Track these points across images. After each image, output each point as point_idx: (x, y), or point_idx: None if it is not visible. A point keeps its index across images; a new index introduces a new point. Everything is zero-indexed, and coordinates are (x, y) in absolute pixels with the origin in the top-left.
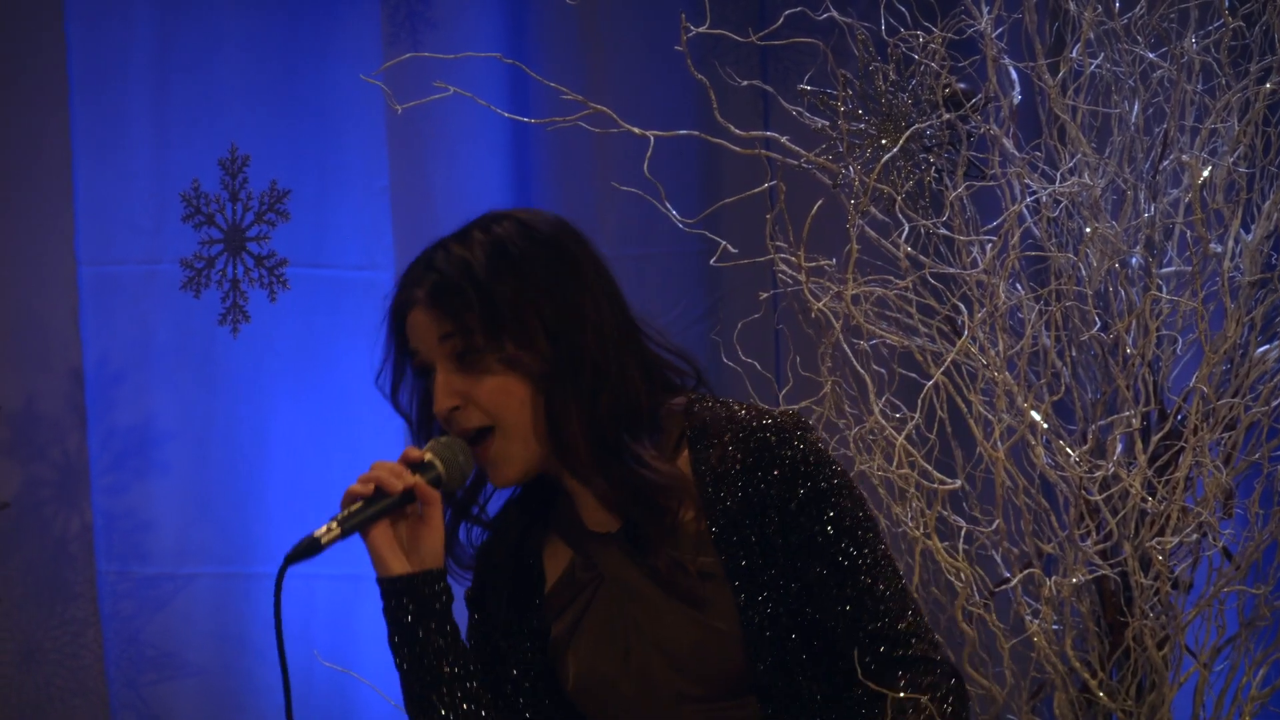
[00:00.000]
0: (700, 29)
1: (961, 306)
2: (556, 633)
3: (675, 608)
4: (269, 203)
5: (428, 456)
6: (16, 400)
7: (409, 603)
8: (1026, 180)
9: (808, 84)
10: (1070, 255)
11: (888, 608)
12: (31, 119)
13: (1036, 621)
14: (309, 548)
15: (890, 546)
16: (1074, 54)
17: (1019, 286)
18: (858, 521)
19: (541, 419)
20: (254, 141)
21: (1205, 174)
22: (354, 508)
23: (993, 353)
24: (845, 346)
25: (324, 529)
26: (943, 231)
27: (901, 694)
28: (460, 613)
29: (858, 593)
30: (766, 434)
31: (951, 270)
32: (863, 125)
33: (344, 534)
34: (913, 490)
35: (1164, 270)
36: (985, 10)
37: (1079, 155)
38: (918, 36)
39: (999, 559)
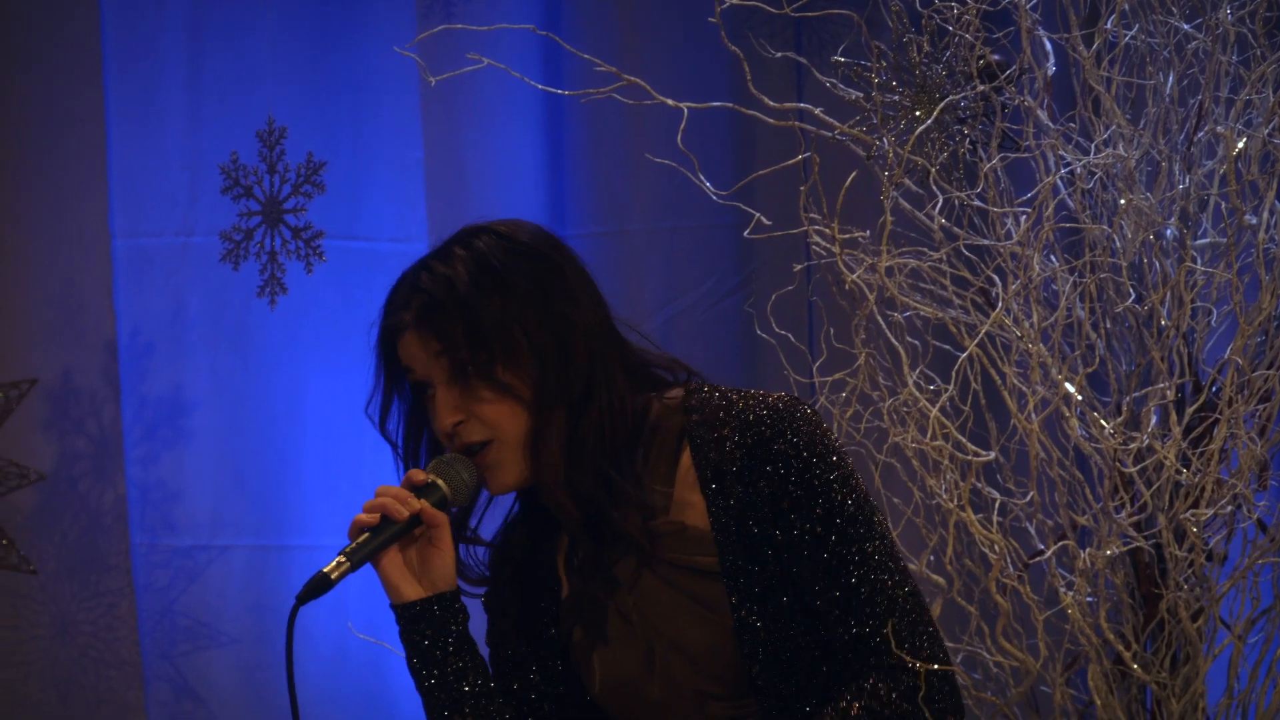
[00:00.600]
0: (734, 0)
1: (995, 278)
2: (578, 637)
3: (689, 608)
4: (305, 175)
5: (431, 478)
6: (54, 374)
7: (425, 627)
8: (1061, 152)
9: (842, 56)
10: (1105, 227)
11: (872, 610)
12: (65, 93)
13: (1071, 594)
14: (319, 585)
15: (892, 543)
16: (1109, 25)
17: (1053, 258)
18: (849, 518)
19: (533, 432)
20: (291, 113)
21: (1240, 145)
22: (362, 539)
23: (1027, 325)
24: (879, 319)
25: (333, 564)
26: (977, 203)
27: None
28: (477, 627)
29: (843, 592)
30: (762, 427)
31: (986, 242)
32: (897, 97)
33: (354, 566)
34: (947, 462)
35: (1199, 242)
36: None
37: (1113, 127)
38: (952, 8)
39: (1033, 531)
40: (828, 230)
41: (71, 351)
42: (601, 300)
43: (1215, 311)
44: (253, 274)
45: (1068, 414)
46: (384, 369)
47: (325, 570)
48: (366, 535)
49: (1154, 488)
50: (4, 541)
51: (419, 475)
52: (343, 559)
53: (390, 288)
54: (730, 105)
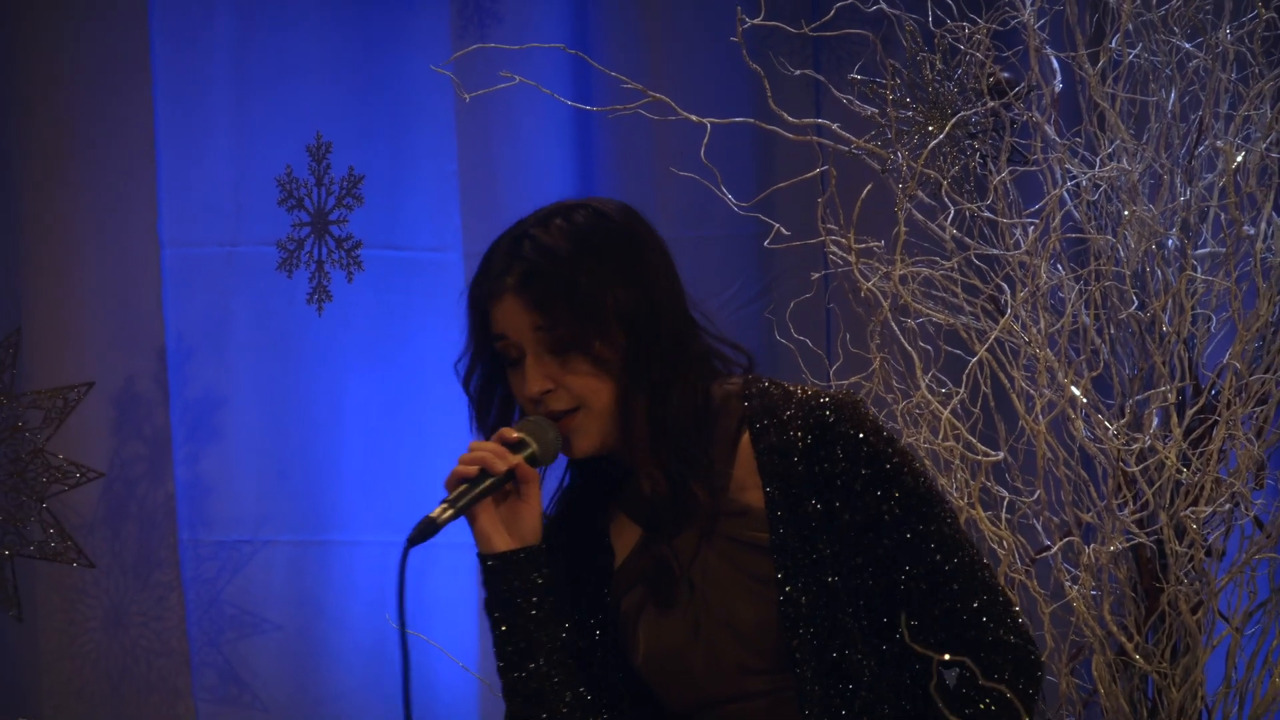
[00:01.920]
0: (755, 21)
1: (1004, 286)
2: (626, 607)
3: (740, 582)
4: (347, 187)
5: (523, 436)
6: (116, 378)
7: (513, 578)
8: (1067, 165)
9: (858, 73)
10: (1109, 237)
11: (960, 587)
12: (116, 110)
13: (1076, 587)
14: (426, 529)
15: (961, 524)
16: (1113, 44)
17: (1059, 267)
18: (923, 498)
19: (618, 404)
20: (335, 129)
21: (1239, 159)
22: (461, 489)
23: (1034, 330)
24: (893, 324)
25: (439, 510)
26: (987, 214)
27: (979, 682)
28: None
29: (929, 571)
30: (826, 412)
31: (995, 251)
32: (910, 113)
33: (456, 514)
34: (957, 462)
35: (1199, 251)
36: (1028, 2)
37: (1118, 141)
38: (963, 28)
39: (1040, 528)
40: (844, 240)
41: (129, 357)
42: (680, 282)
43: (1215, 318)
44: (303, 281)
45: (1073, 416)
46: (475, 328)
47: (431, 515)
48: (465, 486)
49: (1155, 486)
50: (64, 539)
51: (512, 433)
52: (446, 506)
53: (486, 254)
54: (751, 121)
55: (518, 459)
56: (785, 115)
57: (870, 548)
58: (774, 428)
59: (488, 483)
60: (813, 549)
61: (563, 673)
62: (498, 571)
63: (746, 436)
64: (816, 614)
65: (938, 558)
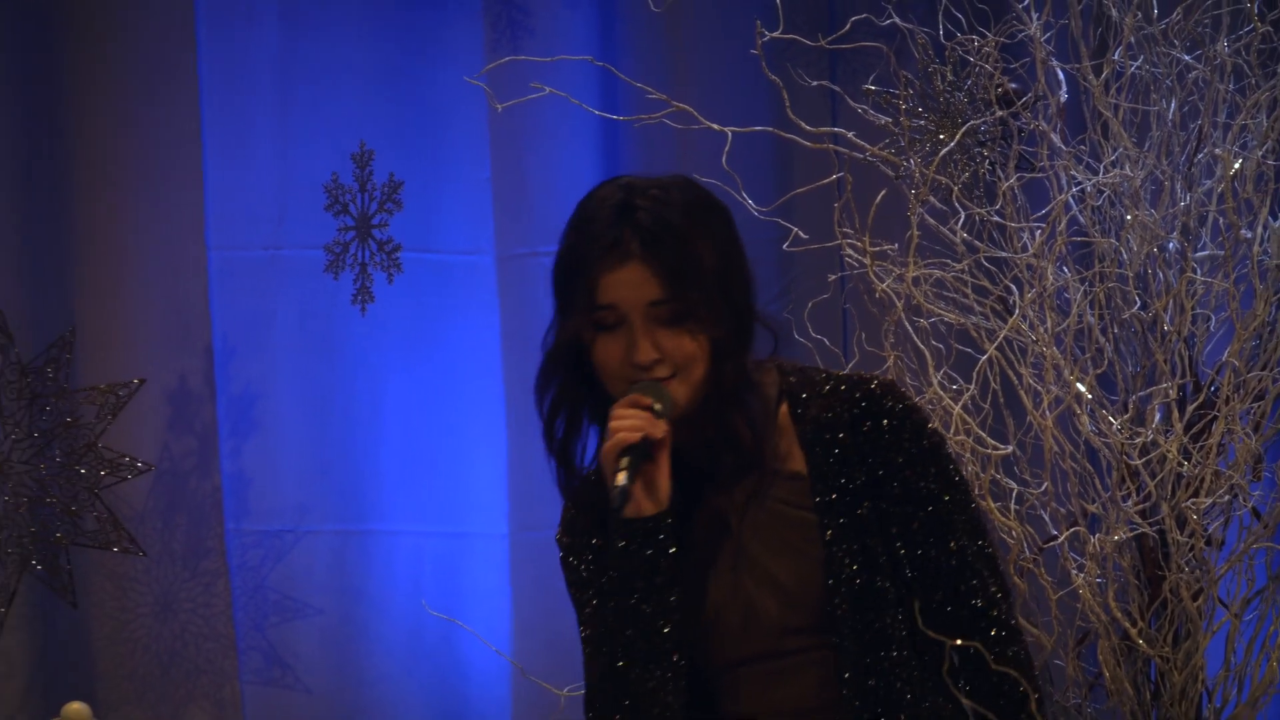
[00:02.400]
0: (774, 34)
1: (1013, 287)
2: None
3: (784, 539)
4: (388, 193)
5: (654, 402)
6: (170, 377)
7: (654, 540)
8: (1072, 172)
9: (872, 84)
10: (1113, 240)
11: (986, 571)
12: (166, 121)
13: (1082, 575)
14: (623, 496)
15: (983, 513)
16: (1116, 56)
17: (1065, 269)
18: (956, 484)
19: (708, 372)
20: (377, 137)
21: (1236, 166)
22: (628, 458)
23: (1041, 330)
24: (906, 324)
25: (622, 479)
26: (996, 219)
27: (993, 660)
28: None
29: (956, 549)
30: (871, 386)
31: (1004, 254)
32: (923, 122)
33: (631, 480)
34: (968, 455)
35: (1198, 254)
36: (1035, 16)
37: (1120, 149)
38: (973, 40)
39: (1047, 518)
40: (860, 243)
41: (180, 355)
42: None
43: (1214, 318)
44: (348, 283)
45: (1079, 411)
46: (569, 298)
47: (620, 485)
48: (629, 455)
49: (1158, 479)
50: (117, 529)
51: (644, 399)
52: (623, 476)
53: (588, 219)
54: (771, 129)
55: (665, 425)
56: (803, 124)
57: (906, 520)
58: (815, 401)
59: (647, 447)
60: (855, 514)
61: (672, 637)
62: (643, 535)
63: (785, 408)
64: (858, 576)
65: (965, 539)
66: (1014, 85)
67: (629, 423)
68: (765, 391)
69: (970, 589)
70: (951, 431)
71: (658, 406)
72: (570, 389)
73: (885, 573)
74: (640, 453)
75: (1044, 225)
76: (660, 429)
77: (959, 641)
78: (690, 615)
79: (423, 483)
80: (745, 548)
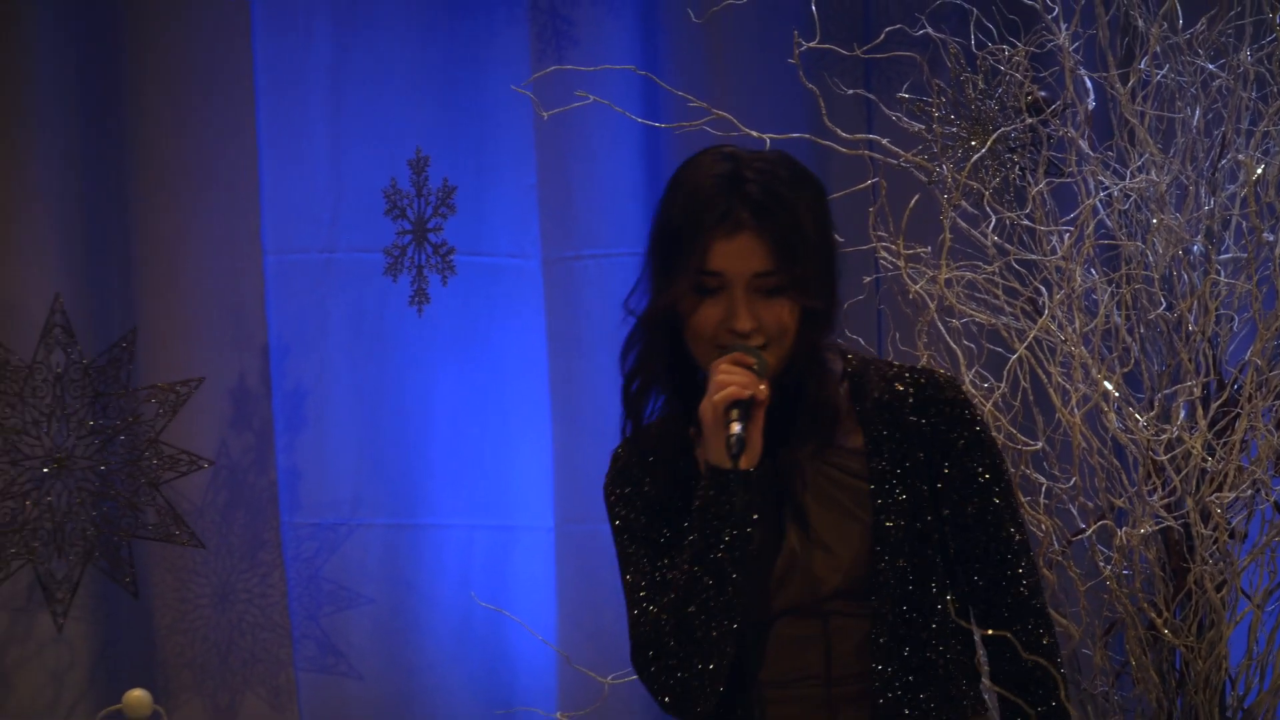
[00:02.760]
0: (810, 44)
1: (1042, 289)
2: None
3: (838, 505)
4: (442, 198)
5: (757, 364)
6: (230, 375)
7: (744, 494)
8: (1100, 177)
9: (906, 92)
10: (1139, 243)
11: (1025, 564)
12: (222, 126)
13: (1109, 567)
14: (739, 444)
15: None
16: (1142, 65)
17: (1093, 271)
18: (1004, 477)
19: (794, 343)
20: (432, 144)
21: (1259, 171)
22: (737, 411)
23: (1070, 330)
24: (939, 324)
25: (737, 429)
26: (1025, 222)
27: (1042, 642)
28: None
29: (1002, 539)
30: (933, 374)
31: (1033, 257)
32: (954, 129)
33: (744, 434)
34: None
35: (1222, 257)
36: (1063, 27)
37: (1146, 155)
38: (1003, 50)
39: (1075, 512)
40: (894, 246)
41: (238, 354)
42: None
43: (1237, 318)
44: (405, 285)
45: (1106, 409)
46: (670, 262)
47: (737, 433)
48: (738, 411)
49: (1183, 474)
50: (177, 522)
51: (746, 359)
52: (737, 429)
53: (697, 187)
54: (807, 136)
55: (766, 387)
56: (839, 131)
57: (957, 504)
58: (876, 384)
59: (754, 403)
60: (907, 489)
61: (741, 589)
62: (733, 487)
63: (845, 387)
64: (904, 548)
65: (1010, 530)
66: (1043, 93)
67: (738, 379)
68: (831, 368)
69: (1014, 576)
70: None
71: (757, 368)
72: (657, 347)
73: (933, 547)
74: (746, 409)
75: (1072, 229)
76: (763, 390)
77: (990, 631)
78: (749, 575)
79: (471, 477)
80: (800, 507)
